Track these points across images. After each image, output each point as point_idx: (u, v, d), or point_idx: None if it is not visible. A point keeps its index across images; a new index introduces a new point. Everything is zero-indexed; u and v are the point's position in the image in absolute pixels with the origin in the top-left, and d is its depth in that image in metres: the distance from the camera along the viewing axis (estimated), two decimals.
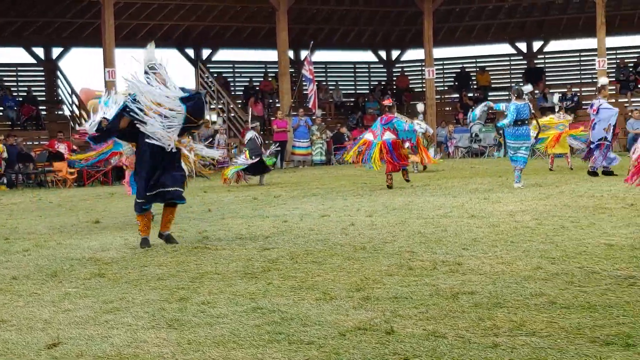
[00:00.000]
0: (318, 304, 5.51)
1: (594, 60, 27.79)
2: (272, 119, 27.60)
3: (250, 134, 18.49)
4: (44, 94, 29.51)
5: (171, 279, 6.66)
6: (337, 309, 5.32)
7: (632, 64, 31.04)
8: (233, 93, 31.59)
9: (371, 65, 35.18)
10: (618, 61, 31.00)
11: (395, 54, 34.98)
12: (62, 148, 23.03)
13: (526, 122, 14.14)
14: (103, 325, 5.19)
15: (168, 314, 5.38)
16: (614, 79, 30.16)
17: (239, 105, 30.56)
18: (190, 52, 31.36)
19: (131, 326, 5.12)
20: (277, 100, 29.68)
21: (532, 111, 14.31)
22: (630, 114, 25.71)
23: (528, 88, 15.42)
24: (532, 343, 4.37)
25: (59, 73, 29.32)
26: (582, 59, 32.65)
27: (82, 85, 33.50)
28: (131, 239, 9.31)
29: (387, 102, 16.36)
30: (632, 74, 30.52)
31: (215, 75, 30.83)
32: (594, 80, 28.09)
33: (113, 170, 21.39)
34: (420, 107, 20.53)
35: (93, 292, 6.29)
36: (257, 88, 31.07)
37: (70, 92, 28.71)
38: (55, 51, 29.61)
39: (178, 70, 34.35)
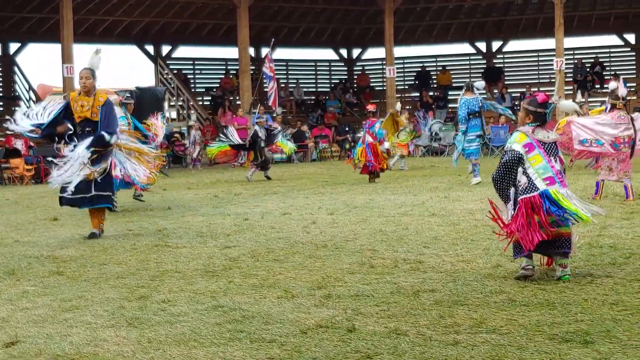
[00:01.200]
0: (279, 302, 5.50)
1: (552, 60, 28.10)
2: (234, 115, 27.49)
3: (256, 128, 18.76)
4: (0, 89, 29.07)
5: (131, 277, 6.61)
6: (299, 307, 5.32)
7: (589, 65, 31.45)
8: (193, 90, 31.42)
9: (332, 64, 35.24)
10: (576, 61, 31.39)
11: (356, 52, 35.08)
12: (19, 144, 22.70)
13: (477, 114, 14.67)
14: (62, 323, 5.13)
15: (128, 313, 5.33)
16: (571, 79, 30.56)
17: (199, 103, 30.44)
18: (150, 48, 31.08)
19: (90, 325, 5.06)
20: (237, 98, 29.59)
21: (482, 104, 14.83)
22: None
23: (481, 84, 15.76)
24: (492, 340, 4.41)
25: (16, 68, 28.93)
26: (540, 59, 33.01)
27: (40, 81, 33.12)
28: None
29: (372, 107, 17.45)
30: (589, 74, 30.91)
31: (175, 71, 30.63)
32: (552, 80, 28.43)
33: None
34: (398, 106, 20.67)
35: (51, 290, 6.21)
36: (221, 94, 30.76)
37: (27, 88, 28.35)
38: (13, 46, 29.19)
39: (137, 66, 34.15)
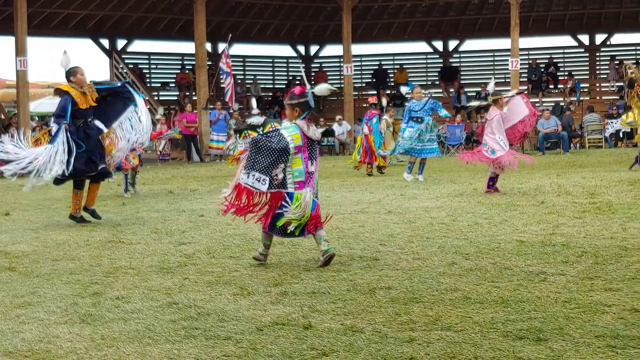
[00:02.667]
0: (235, 299, 5.48)
1: (507, 60, 28.40)
2: (182, 112, 27.27)
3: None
4: None
5: (84, 274, 6.53)
6: (255, 304, 5.30)
7: (543, 65, 31.83)
8: (149, 85, 31.17)
9: (289, 60, 35.19)
10: (530, 62, 31.76)
11: (313, 49, 35.09)
12: None
13: (420, 119, 14.99)
14: (14, 320, 5.05)
15: (81, 309, 5.27)
16: (526, 79, 30.90)
17: (155, 98, 30.20)
18: (105, 42, 30.74)
19: (43, 321, 4.99)
20: (194, 93, 29.40)
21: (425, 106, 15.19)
22: (540, 114, 26.35)
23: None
24: (447, 337, 4.43)
25: None
26: (496, 58, 33.35)
27: None
28: (42, 232, 9.11)
29: (373, 99, 17.98)
30: (543, 75, 31.29)
31: (131, 66, 30.34)
32: (507, 80, 28.73)
33: None
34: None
35: (3, 286, 6.12)
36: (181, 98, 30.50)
37: None
38: None
39: (91, 60, 33.73)
